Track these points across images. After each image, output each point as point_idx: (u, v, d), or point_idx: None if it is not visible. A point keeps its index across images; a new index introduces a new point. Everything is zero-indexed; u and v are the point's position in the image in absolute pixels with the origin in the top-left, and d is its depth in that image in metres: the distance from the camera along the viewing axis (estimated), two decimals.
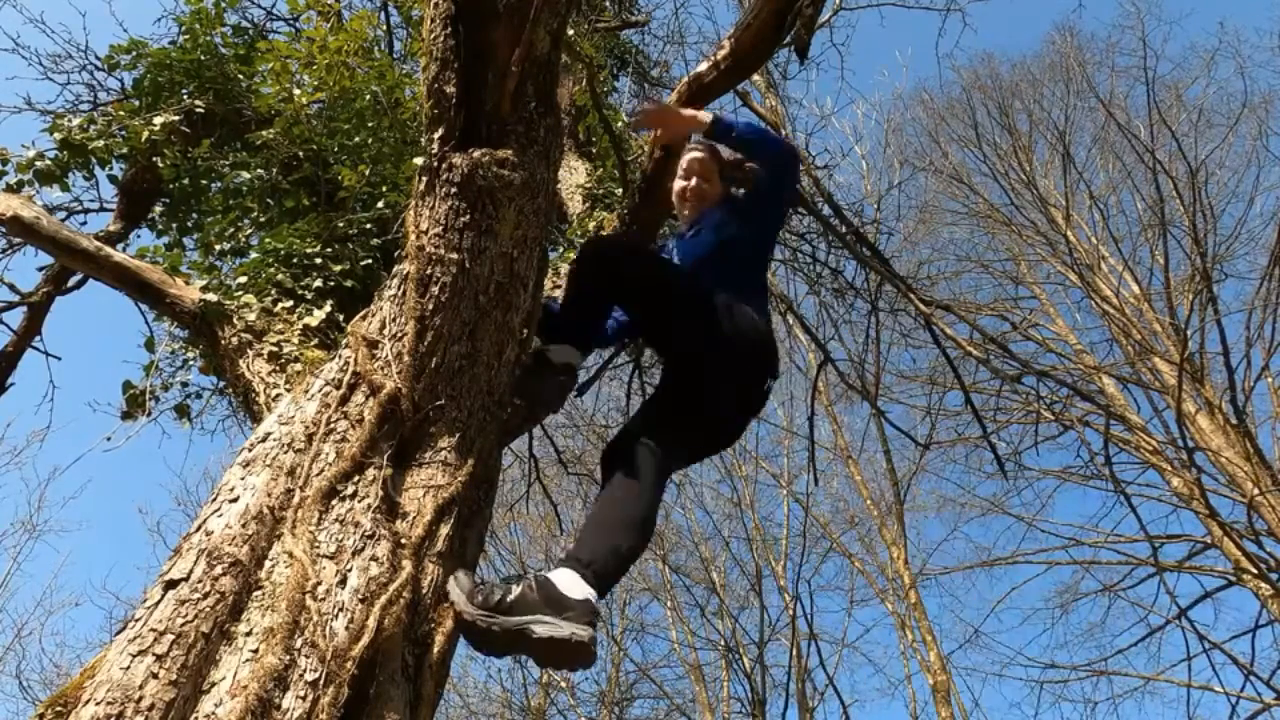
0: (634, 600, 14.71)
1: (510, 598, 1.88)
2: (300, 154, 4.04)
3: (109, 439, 3.80)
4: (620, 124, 5.28)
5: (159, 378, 3.97)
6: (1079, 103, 13.30)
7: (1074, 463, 10.80)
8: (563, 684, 13.84)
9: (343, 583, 1.91)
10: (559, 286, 3.95)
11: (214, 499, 2.11)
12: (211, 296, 3.34)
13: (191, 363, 4.06)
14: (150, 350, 4.02)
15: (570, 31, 4.95)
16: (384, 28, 5.55)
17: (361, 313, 2.71)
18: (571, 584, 1.92)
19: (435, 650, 2.00)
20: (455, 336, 2.43)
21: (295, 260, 3.59)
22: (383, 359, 2.40)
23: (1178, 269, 10.85)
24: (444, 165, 2.49)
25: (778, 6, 3.23)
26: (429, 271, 2.43)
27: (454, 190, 2.47)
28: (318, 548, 1.96)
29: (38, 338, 4.52)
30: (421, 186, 2.57)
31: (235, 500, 2.05)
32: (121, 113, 4.32)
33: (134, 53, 4.61)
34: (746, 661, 12.88)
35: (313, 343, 3.28)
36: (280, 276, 3.51)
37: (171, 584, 1.82)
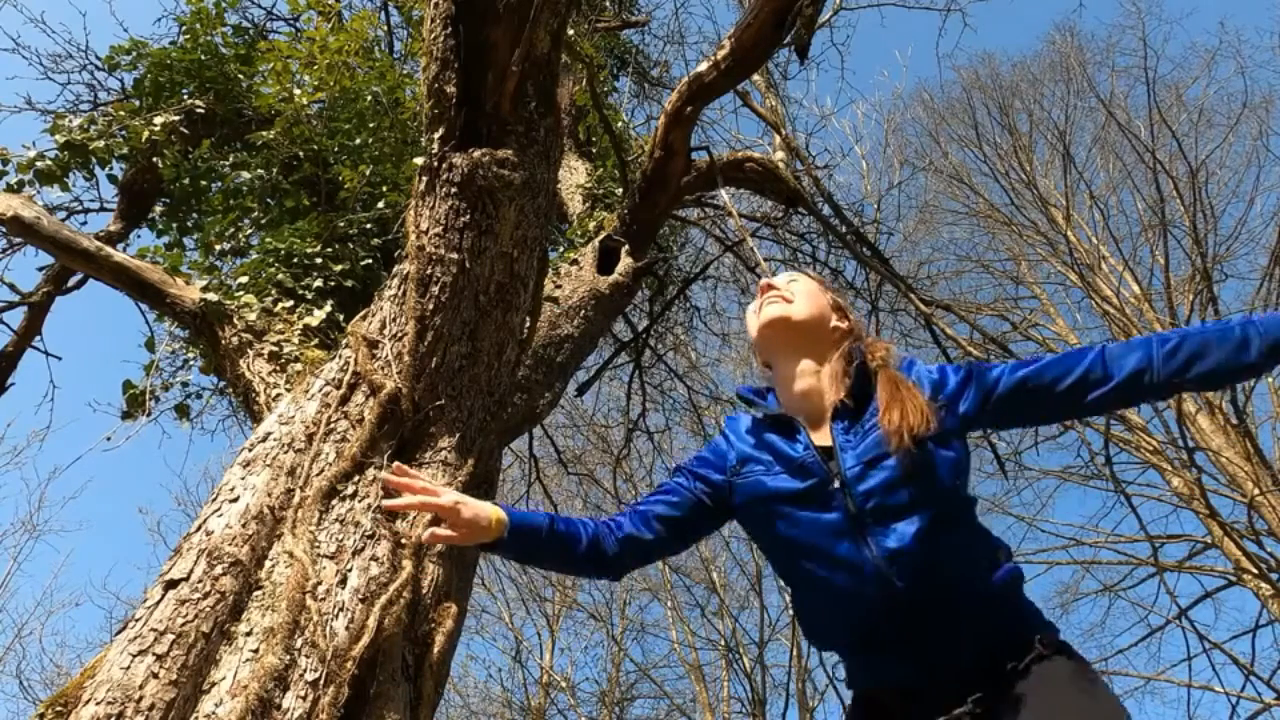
0: (634, 600, 14.73)
1: None
2: (300, 154, 4.04)
3: (109, 439, 3.80)
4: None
5: (159, 378, 3.97)
6: (1079, 103, 13.30)
7: (1074, 463, 10.80)
8: (563, 684, 13.86)
9: (343, 582, 1.91)
10: (559, 286, 3.95)
11: (214, 499, 2.11)
12: (212, 296, 3.34)
13: (192, 363, 4.06)
14: (150, 350, 4.02)
15: (570, 31, 4.95)
16: (384, 28, 5.55)
17: (361, 313, 2.71)
18: None
19: (435, 650, 2.00)
20: (455, 336, 2.44)
21: (295, 260, 3.59)
22: (383, 359, 2.40)
23: (1178, 269, 10.85)
24: (444, 165, 2.50)
25: (778, 6, 3.24)
26: (429, 271, 2.43)
27: (454, 190, 2.47)
28: (318, 547, 1.96)
29: (38, 338, 4.52)
30: (422, 186, 2.57)
31: (235, 500, 2.06)
32: (122, 113, 4.32)
33: (134, 53, 4.61)
34: (746, 661, 12.89)
35: (313, 343, 3.28)
36: (280, 276, 3.51)
37: (172, 584, 1.82)
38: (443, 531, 1.40)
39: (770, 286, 1.59)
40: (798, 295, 1.57)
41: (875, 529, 1.33)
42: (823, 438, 1.44)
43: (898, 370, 1.47)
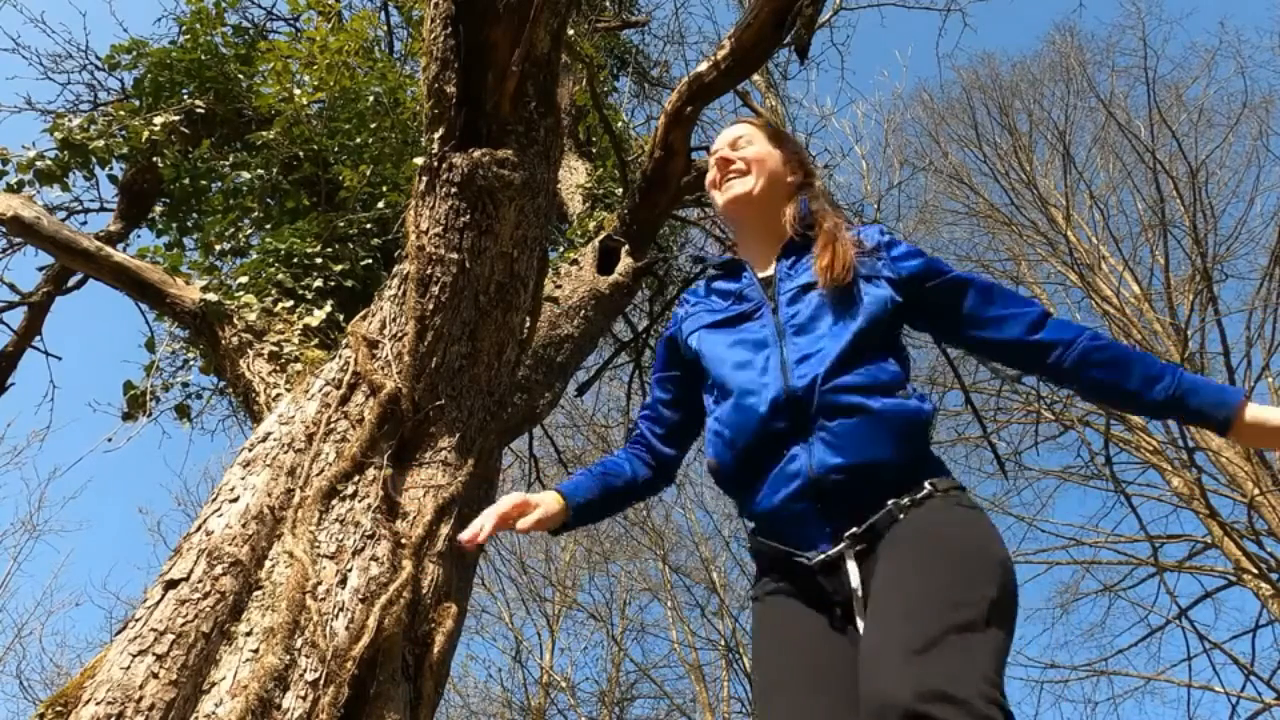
0: (634, 600, 14.74)
1: None
2: (301, 154, 4.04)
3: (109, 439, 3.81)
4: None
5: (159, 378, 3.97)
6: (1079, 103, 13.28)
7: (1074, 463, 10.79)
8: (563, 684, 13.85)
9: (343, 582, 1.91)
10: (559, 286, 3.95)
11: (214, 499, 2.11)
12: (212, 296, 3.34)
13: (192, 363, 4.06)
14: (151, 350, 4.02)
15: (570, 31, 4.95)
16: (384, 28, 5.55)
17: (361, 313, 2.71)
18: None
19: (435, 650, 2.00)
20: (455, 336, 2.44)
21: (295, 260, 3.59)
22: (383, 359, 2.40)
23: (1178, 269, 10.85)
24: (444, 165, 2.50)
25: (778, 6, 3.23)
26: (429, 271, 2.43)
27: (454, 190, 2.47)
28: (318, 547, 1.96)
29: (38, 338, 4.52)
30: (422, 186, 2.57)
31: (235, 500, 2.06)
32: (122, 113, 4.32)
33: (134, 52, 4.61)
34: (747, 661, 12.90)
35: (313, 343, 3.28)
36: (280, 276, 3.51)
37: (172, 584, 1.82)
38: (528, 521, 1.47)
39: (726, 161, 1.68)
40: (752, 165, 1.67)
41: (794, 338, 1.47)
42: (766, 270, 1.60)
43: (843, 232, 1.61)
